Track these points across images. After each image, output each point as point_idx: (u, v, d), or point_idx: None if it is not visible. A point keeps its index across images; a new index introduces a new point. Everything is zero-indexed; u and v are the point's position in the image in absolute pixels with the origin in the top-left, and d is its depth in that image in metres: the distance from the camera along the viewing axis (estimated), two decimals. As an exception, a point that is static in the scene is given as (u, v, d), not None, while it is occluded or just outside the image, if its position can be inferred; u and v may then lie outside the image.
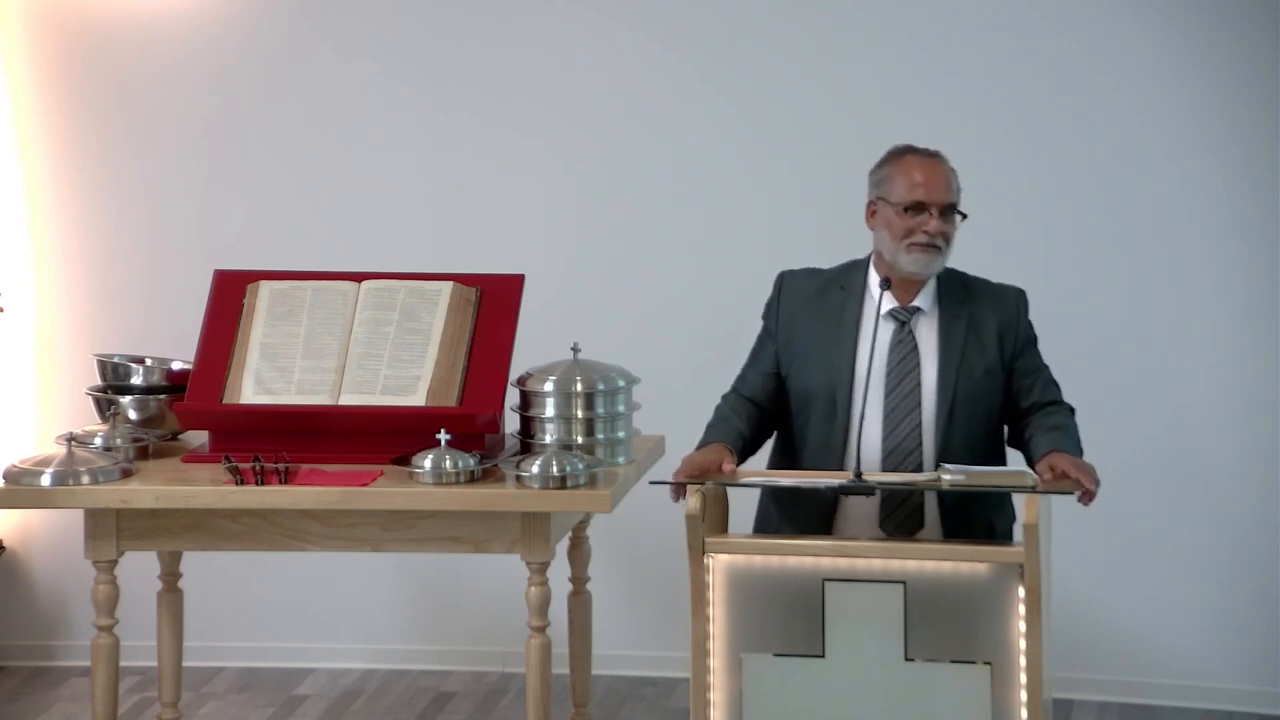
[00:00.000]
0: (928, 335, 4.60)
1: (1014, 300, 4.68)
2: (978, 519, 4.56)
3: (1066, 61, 5.95)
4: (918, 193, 4.54)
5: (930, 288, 4.62)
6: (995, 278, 4.73)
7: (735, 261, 6.12)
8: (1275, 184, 5.82)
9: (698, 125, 6.17)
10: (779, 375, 4.67)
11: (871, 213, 4.62)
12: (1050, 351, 4.82)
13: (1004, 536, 4.61)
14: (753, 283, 6.05)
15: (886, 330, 4.58)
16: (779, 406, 4.69)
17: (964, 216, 4.58)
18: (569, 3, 6.20)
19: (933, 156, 4.61)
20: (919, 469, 4.51)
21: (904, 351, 4.57)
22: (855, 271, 4.67)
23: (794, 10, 6.09)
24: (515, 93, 6.23)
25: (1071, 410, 4.64)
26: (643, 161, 6.21)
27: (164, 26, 6.31)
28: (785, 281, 4.74)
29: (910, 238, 4.55)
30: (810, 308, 4.66)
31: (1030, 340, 4.68)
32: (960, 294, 4.63)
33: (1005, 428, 4.67)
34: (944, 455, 4.51)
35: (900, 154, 4.62)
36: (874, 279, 4.61)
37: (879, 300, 4.59)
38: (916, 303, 4.61)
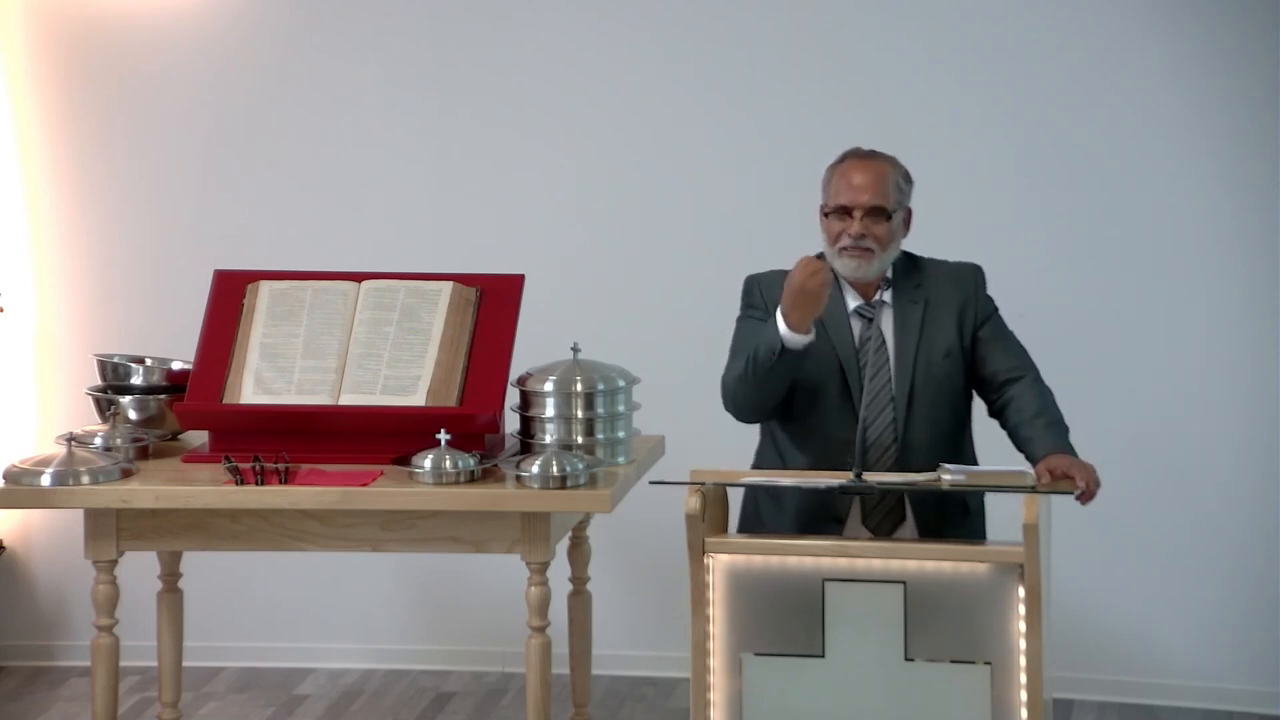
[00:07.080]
0: (890, 327, 4.59)
1: (971, 276, 4.67)
2: (949, 500, 4.54)
3: (1066, 61, 5.95)
4: (841, 197, 4.55)
5: (889, 280, 4.60)
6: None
7: (735, 261, 6.06)
8: (1275, 183, 5.82)
9: (698, 125, 6.17)
10: None
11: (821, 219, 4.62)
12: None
13: (978, 513, 4.61)
14: (753, 283, 6.07)
15: (856, 328, 4.59)
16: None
17: (889, 217, 4.53)
18: (568, 3, 6.20)
19: (868, 158, 4.59)
20: (898, 461, 4.50)
21: (874, 347, 4.56)
22: None
23: (794, 11, 6.09)
24: (515, 93, 6.23)
25: (1039, 378, 4.60)
26: (643, 161, 6.20)
27: (164, 27, 6.31)
28: (759, 280, 4.72)
29: (839, 242, 4.56)
30: None
31: (991, 312, 4.66)
32: (915, 278, 4.62)
33: (971, 409, 4.63)
34: (907, 439, 4.51)
35: (841, 159, 4.62)
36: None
37: (846, 298, 4.60)
38: (881, 297, 4.59)
